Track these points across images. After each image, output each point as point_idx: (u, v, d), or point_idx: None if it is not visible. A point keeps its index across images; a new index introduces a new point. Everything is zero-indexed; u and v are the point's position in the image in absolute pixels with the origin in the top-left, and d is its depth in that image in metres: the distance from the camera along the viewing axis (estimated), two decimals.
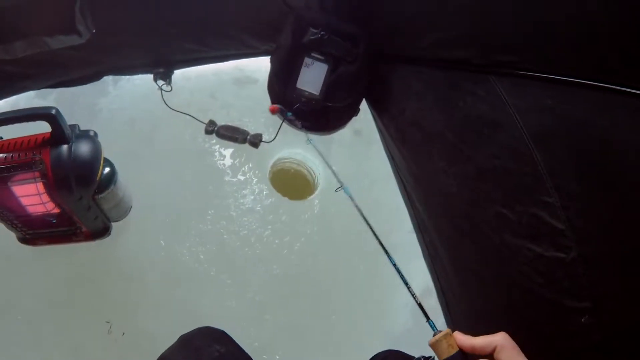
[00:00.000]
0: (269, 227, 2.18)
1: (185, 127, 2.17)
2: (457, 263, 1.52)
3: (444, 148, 1.56)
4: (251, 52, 1.81)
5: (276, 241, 2.15)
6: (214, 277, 2.03)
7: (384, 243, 1.56)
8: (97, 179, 1.44)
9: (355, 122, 1.76)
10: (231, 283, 2.01)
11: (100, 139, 1.53)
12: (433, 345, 0.68)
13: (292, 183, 2.29)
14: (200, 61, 1.78)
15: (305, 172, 2.34)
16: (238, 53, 1.80)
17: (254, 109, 2.11)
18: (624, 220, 1.08)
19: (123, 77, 2.13)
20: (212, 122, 2.00)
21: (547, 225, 1.22)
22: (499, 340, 0.64)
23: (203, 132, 1.99)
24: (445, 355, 0.65)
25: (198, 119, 1.92)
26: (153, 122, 2.25)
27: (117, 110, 2.31)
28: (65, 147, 1.38)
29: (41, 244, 1.71)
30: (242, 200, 2.17)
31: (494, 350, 0.64)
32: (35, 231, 1.65)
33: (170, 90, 1.76)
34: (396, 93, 1.69)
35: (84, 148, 1.41)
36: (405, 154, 1.67)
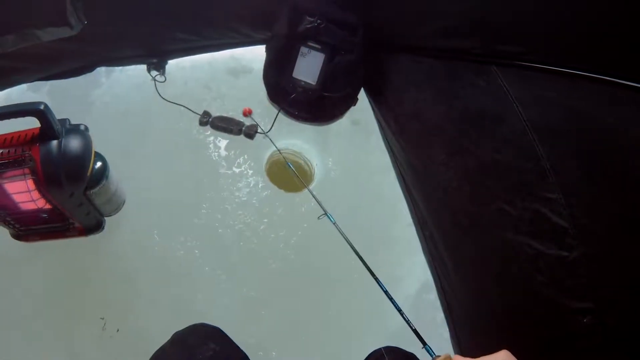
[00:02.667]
0: (265, 220, 2.15)
1: (179, 118, 2.10)
2: (457, 259, 1.49)
3: (444, 140, 1.52)
4: (246, 41, 1.76)
5: (272, 235, 2.12)
6: (209, 273, 2.00)
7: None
8: (88, 174, 1.40)
9: (353, 112, 1.71)
10: (226, 279, 1.99)
11: (92, 132, 1.50)
12: None
13: (288, 175, 2.25)
14: (195, 51, 1.73)
15: (302, 163, 2.29)
16: (233, 42, 1.75)
17: (250, 99, 2.05)
18: (630, 220, 1.04)
19: (116, 68, 2.08)
20: (206, 113, 1.95)
21: (550, 223, 1.19)
22: (500, 357, 0.63)
23: (197, 123, 1.95)
24: None
25: (192, 110, 1.87)
26: (146, 113, 2.19)
27: (110, 102, 2.25)
28: (55, 142, 1.34)
29: (34, 240, 1.69)
30: (237, 193, 2.13)
31: None
32: (27, 227, 1.62)
33: (164, 81, 1.71)
34: (395, 83, 1.64)
35: (74, 143, 1.38)
36: (404, 146, 1.62)
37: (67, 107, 1.86)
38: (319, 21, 1.55)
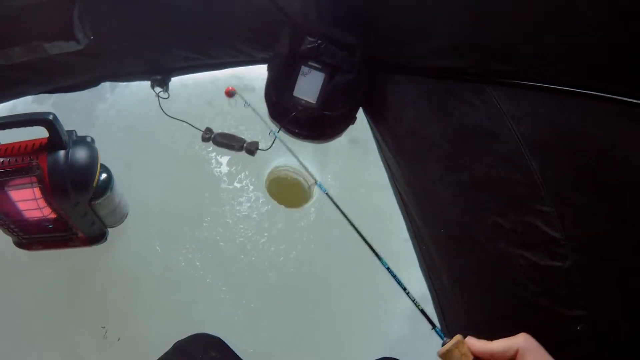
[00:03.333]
0: (265, 234, 2.18)
1: (182, 134, 2.19)
2: (453, 272, 1.52)
3: (440, 157, 1.56)
4: (248, 60, 1.82)
5: (272, 248, 2.14)
6: (210, 284, 2.03)
7: (379, 251, 1.56)
8: (94, 185, 1.44)
9: (352, 131, 1.77)
10: (227, 290, 2.01)
11: (97, 145, 1.53)
12: (443, 356, 0.60)
13: (288, 191, 2.29)
14: (198, 69, 1.79)
15: (302, 180, 2.34)
16: (235, 61, 1.81)
17: (251, 117, 2.11)
18: (620, 229, 1.08)
19: (120, 83, 2.13)
20: (208, 130, 2.00)
21: (543, 234, 1.22)
22: (521, 342, 0.58)
23: (200, 139, 2.00)
24: None
25: (195, 126, 1.92)
26: (150, 128, 2.25)
27: (114, 117, 2.30)
28: (62, 152, 1.38)
29: (37, 249, 1.71)
30: (238, 208, 2.17)
31: (516, 354, 0.57)
32: (31, 236, 1.65)
33: (167, 98, 1.76)
34: (393, 102, 1.70)
35: (80, 154, 1.42)
36: (402, 163, 1.67)
37: (71, 120, 1.91)
38: (319, 41, 1.62)
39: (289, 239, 2.16)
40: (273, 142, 1.71)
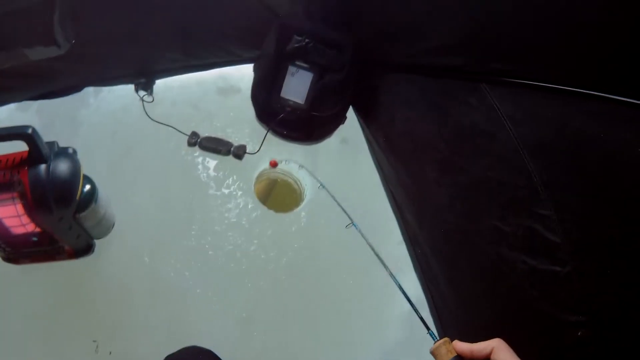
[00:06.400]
0: (255, 241, 2.12)
1: (167, 139, 2.12)
2: (450, 276, 1.48)
3: (436, 159, 1.52)
4: (234, 60, 1.75)
5: (262, 256, 2.09)
6: (200, 295, 1.99)
7: (373, 254, 1.51)
8: (77, 198, 1.37)
9: (342, 130, 1.71)
10: (217, 300, 1.97)
11: (81, 153, 1.48)
12: (434, 352, 0.75)
13: (277, 194, 2.23)
14: (183, 70, 1.72)
15: (292, 182, 2.28)
16: (221, 61, 1.74)
17: (238, 119, 2.04)
18: (622, 235, 1.05)
19: (104, 88, 2.05)
20: (194, 134, 1.93)
21: (543, 239, 1.18)
22: (495, 343, 0.71)
23: (186, 144, 1.92)
24: None
25: (180, 130, 1.85)
26: (135, 134, 2.18)
27: (99, 123, 2.23)
28: (43, 167, 1.33)
29: (25, 263, 1.65)
30: (226, 215, 2.12)
31: (490, 352, 0.71)
32: (17, 250, 1.58)
33: (152, 101, 1.69)
34: (385, 101, 1.65)
35: (62, 167, 1.36)
36: (395, 164, 1.62)
37: (55, 128, 1.84)
38: (307, 40, 1.55)
39: (280, 245, 2.12)
40: (261, 146, 1.64)
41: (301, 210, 2.21)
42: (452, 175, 1.48)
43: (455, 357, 0.72)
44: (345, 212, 1.45)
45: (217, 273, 2.04)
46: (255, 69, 1.61)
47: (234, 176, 2.20)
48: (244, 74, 1.67)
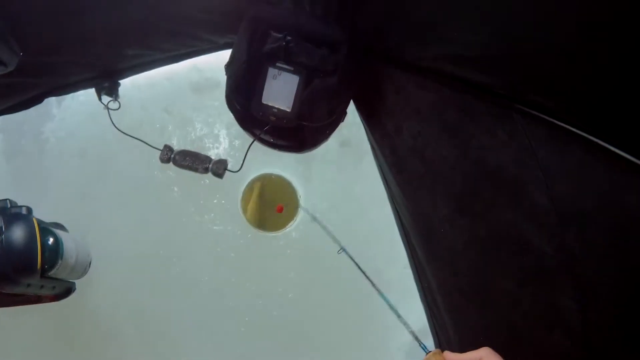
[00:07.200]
0: (243, 273, 1.94)
1: (139, 153, 1.78)
2: (459, 326, 1.34)
3: (450, 193, 1.24)
4: (209, 48, 1.41)
5: (252, 288, 1.93)
6: (186, 331, 1.91)
7: (376, 279, 1.36)
8: (38, 266, 1.25)
9: (341, 129, 1.40)
10: (206, 336, 1.90)
11: (49, 178, 1.32)
12: None
13: (267, 210, 1.89)
14: (150, 65, 1.40)
15: (286, 182, 1.96)
16: (192, 51, 1.41)
17: (216, 124, 1.70)
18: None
19: (66, 96, 1.74)
20: (167, 148, 1.60)
21: (563, 321, 1.05)
22: (484, 352, 0.72)
23: (159, 159, 1.64)
24: None
25: (151, 145, 1.54)
26: (104, 149, 1.93)
27: (65, 138, 1.97)
28: None
29: (7, 306, 1.61)
30: (208, 244, 1.93)
31: None
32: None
33: (119, 108, 1.41)
34: (391, 105, 1.31)
35: (17, 236, 1.23)
36: (402, 185, 1.35)
37: (21, 147, 1.68)
38: (288, 39, 1.18)
39: (271, 275, 1.96)
40: (243, 163, 1.38)
41: (292, 231, 1.97)
42: (468, 219, 1.22)
43: None
44: (334, 238, 1.25)
45: (204, 310, 1.94)
46: (227, 75, 1.28)
47: (215, 199, 1.95)
48: (221, 61, 1.33)
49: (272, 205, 1.85)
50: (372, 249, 1.55)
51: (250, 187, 1.88)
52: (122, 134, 1.45)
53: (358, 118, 1.45)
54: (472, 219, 1.19)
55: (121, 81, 1.43)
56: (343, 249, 1.36)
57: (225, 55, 1.39)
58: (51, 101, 1.76)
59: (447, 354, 0.77)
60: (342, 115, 1.37)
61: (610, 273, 0.94)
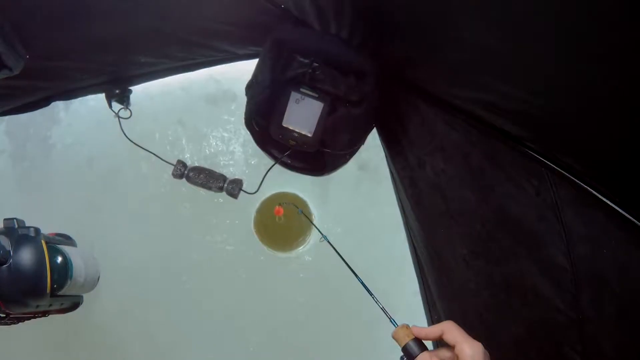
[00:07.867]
0: (254, 295, 1.91)
1: (150, 165, 1.78)
2: None
3: (468, 235, 1.23)
4: (227, 58, 1.36)
5: (261, 311, 1.90)
6: (194, 349, 1.90)
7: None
8: (47, 289, 1.25)
9: (361, 152, 1.37)
10: (213, 355, 1.89)
11: (55, 185, 1.28)
12: (394, 336, 0.80)
13: (281, 230, 1.91)
14: (164, 73, 1.35)
15: (302, 201, 1.91)
16: (209, 60, 1.35)
17: (232, 140, 1.63)
18: None
19: (74, 99, 1.66)
20: (181, 164, 1.55)
21: None
22: (445, 325, 0.75)
23: (171, 173, 1.58)
24: (404, 342, 0.77)
25: (163, 159, 1.48)
26: (113, 160, 1.87)
27: (72, 145, 1.91)
28: (4, 268, 1.18)
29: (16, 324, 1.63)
30: (219, 264, 1.90)
31: (442, 333, 0.75)
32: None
33: (130, 117, 1.36)
34: (415, 135, 1.27)
35: (25, 258, 1.21)
36: (420, 216, 1.33)
37: (27, 151, 1.63)
38: (315, 65, 1.14)
39: (282, 299, 1.92)
40: (261, 184, 1.35)
41: (305, 254, 1.93)
42: (484, 263, 1.21)
43: (412, 339, 0.77)
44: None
45: (213, 331, 1.92)
46: (247, 96, 1.24)
47: (228, 220, 1.88)
48: (240, 72, 1.28)
49: (284, 226, 1.84)
50: (384, 274, 1.53)
51: (264, 204, 1.84)
52: (132, 144, 1.41)
53: (378, 140, 1.41)
54: (487, 263, 1.18)
55: (133, 88, 1.38)
56: (325, 238, 1.34)
57: (243, 65, 1.35)
58: (58, 104, 1.70)
59: (413, 328, 0.81)
60: (362, 141, 1.34)
61: (618, 338, 0.95)
